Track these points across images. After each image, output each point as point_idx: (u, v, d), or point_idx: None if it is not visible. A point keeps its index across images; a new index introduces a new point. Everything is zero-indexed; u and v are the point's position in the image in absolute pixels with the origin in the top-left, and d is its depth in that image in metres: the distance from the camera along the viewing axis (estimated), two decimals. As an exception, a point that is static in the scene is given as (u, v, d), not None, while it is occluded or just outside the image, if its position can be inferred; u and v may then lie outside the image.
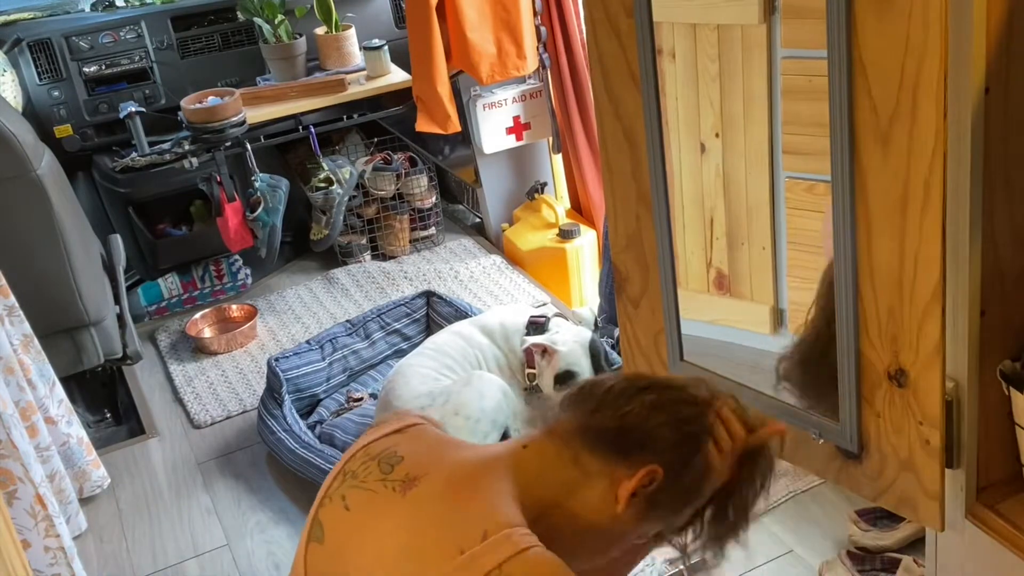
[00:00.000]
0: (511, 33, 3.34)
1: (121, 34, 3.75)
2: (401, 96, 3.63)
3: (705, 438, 1.17)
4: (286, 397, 2.86)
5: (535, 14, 3.37)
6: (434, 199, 3.88)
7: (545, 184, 3.72)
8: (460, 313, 3.11)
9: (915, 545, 2.19)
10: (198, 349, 3.42)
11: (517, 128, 3.59)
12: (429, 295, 3.29)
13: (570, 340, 2.75)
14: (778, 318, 1.54)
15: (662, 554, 2.36)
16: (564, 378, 2.71)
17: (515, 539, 1.08)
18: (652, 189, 1.53)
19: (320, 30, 3.74)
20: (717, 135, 1.51)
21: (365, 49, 3.65)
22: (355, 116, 3.82)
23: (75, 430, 2.74)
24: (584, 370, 2.71)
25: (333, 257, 3.87)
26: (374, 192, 3.76)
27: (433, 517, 1.12)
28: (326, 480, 1.24)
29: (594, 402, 1.20)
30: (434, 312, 3.25)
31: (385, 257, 3.88)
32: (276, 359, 2.97)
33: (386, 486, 1.16)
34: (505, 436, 2.69)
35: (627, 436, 1.17)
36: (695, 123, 1.52)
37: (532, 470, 1.18)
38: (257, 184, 3.43)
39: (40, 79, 3.67)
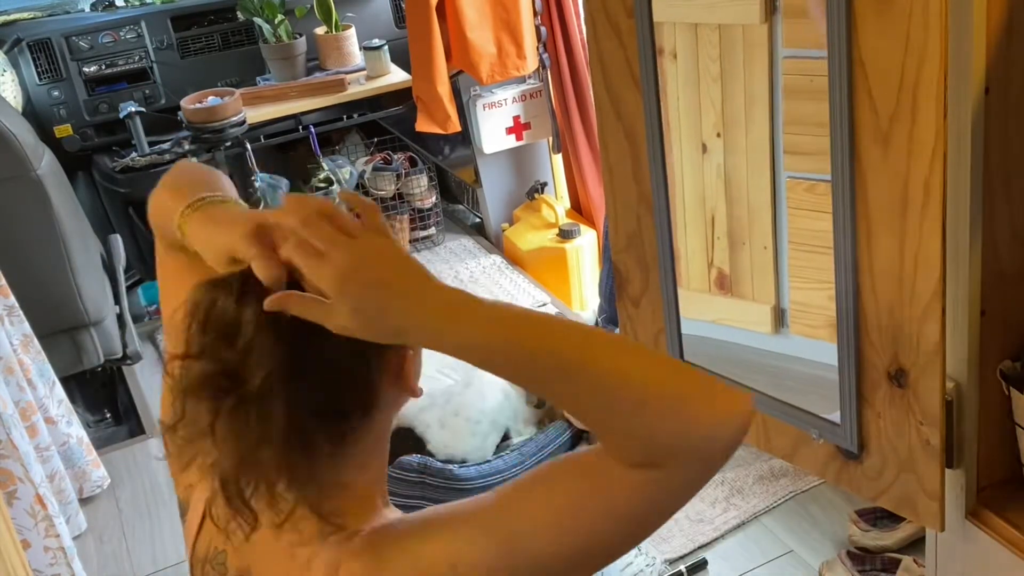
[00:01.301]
0: (511, 33, 3.34)
1: (121, 34, 3.75)
2: (401, 96, 3.63)
3: None
4: (286, 397, 2.86)
5: (535, 14, 3.37)
6: (434, 199, 3.88)
7: (545, 184, 3.71)
8: (460, 313, 3.11)
9: (915, 545, 2.19)
10: (198, 349, 3.42)
11: (517, 128, 3.59)
12: (429, 295, 3.28)
13: (570, 340, 2.75)
14: (779, 318, 1.54)
15: (662, 554, 2.36)
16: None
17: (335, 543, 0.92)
18: (653, 189, 1.53)
19: (320, 30, 3.74)
20: (718, 135, 1.51)
21: (365, 49, 3.65)
22: (355, 116, 3.83)
23: (75, 430, 2.74)
24: (584, 370, 2.71)
25: (333, 257, 3.87)
26: (374, 192, 3.76)
27: None
28: None
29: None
30: (434, 312, 3.25)
31: (385, 257, 3.88)
32: (276, 359, 2.97)
33: None
34: (506, 437, 2.69)
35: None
36: (696, 123, 1.52)
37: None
38: (257, 184, 3.43)
39: (40, 79, 3.67)
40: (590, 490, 0.85)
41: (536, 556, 0.86)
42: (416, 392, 0.96)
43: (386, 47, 3.63)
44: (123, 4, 3.95)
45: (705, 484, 0.88)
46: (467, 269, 3.69)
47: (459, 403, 2.63)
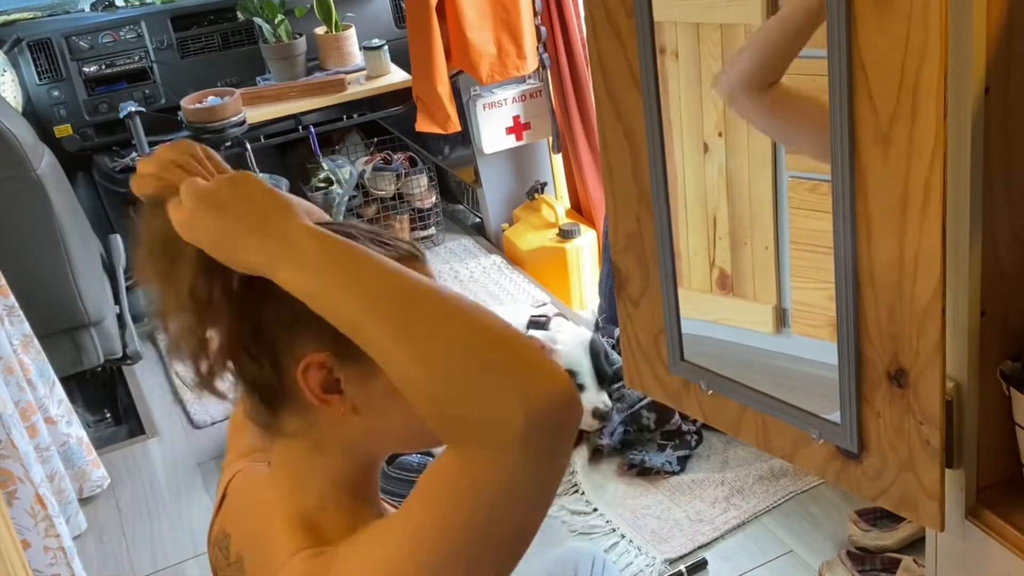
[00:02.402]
0: (511, 33, 3.34)
1: (121, 34, 3.75)
2: (401, 96, 3.63)
3: None
4: (286, 397, 2.86)
5: (535, 14, 3.38)
6: (434, 199, 3.88)
7: (545, 184, 3.72)
8: (460, 313, 3.10)
9: (915, 545, 2.19)
10: (198, 349, 3.42)
11: (517, 128, 3.60)
12: (429, 295, 3.28)
13: (570, 339, 2.76)
14: (781, 318, 1.54)
15: (662, 554, 2.36)
16: (564, 377, 2.71)
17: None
18: (652, 189, 1.53)
19: (320, 30, 3.74)
20: (720, 134, 1.51)
21: (365, 49, 3.65)
22: (355, 116, 3.83)
23: (75, 430, 2.74)
24: (584, 369, 2.71)
25: (333, 257, 3.87)
26: (374, 192, 3.76)
27: None
28: None
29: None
30: (434, 312, 3.25)
31: (385, 257, 3.88)
32: (276, 359, 2.97)
33: (232, 570, 1.06)
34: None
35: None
36: (698, 122, 1.52)
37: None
38: (257, 184, 3.43)
39: (40, 79, 3.67)
40: (431, 496, 0.81)
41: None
42: (325, 402, 0.92)
43: (386, 47, 3.63)
44: (123, 4, 3.95)
45: (536, 477, 0.78)
46: (467, 269, 3.69)
47: (459, 403, 2.63)
